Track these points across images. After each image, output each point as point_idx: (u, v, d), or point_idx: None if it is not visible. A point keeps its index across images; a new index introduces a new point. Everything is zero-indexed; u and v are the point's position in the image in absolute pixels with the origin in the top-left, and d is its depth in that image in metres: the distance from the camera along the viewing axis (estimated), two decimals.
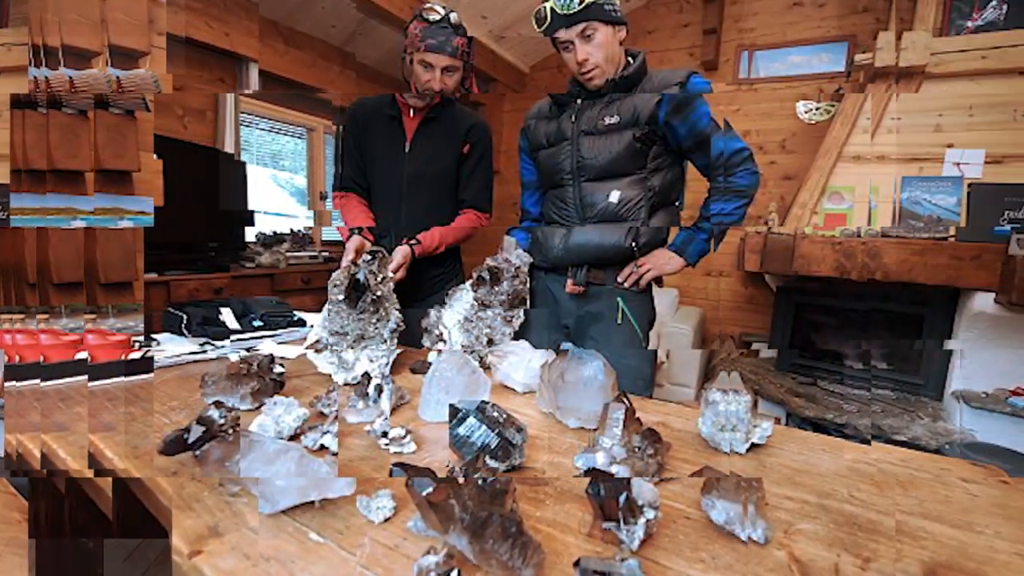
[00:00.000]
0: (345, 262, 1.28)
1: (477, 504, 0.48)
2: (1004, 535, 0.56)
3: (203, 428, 0.63)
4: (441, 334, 1.27)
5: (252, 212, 3.29)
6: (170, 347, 1.23)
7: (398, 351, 1.15)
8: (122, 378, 0.99)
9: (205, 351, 1.22)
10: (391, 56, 4.07)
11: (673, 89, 1.28)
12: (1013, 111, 2.73)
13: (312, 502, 0.57)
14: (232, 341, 1.31)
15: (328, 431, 0.75)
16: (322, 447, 0.73)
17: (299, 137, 4.08)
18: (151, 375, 1.02)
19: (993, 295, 2.39)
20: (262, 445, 0.58)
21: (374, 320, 1.12)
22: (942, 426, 2.51)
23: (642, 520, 0.51)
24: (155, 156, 2.05)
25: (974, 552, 0.53)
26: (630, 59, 1.36)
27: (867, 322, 3.17)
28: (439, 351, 1.23)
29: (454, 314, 1.29)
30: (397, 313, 1.16)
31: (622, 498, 0.50)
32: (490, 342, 1.27)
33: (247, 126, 3.62)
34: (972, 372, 2.66)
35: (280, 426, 0.75)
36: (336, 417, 0.80)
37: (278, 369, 0.94)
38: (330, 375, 1.06)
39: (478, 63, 1.66)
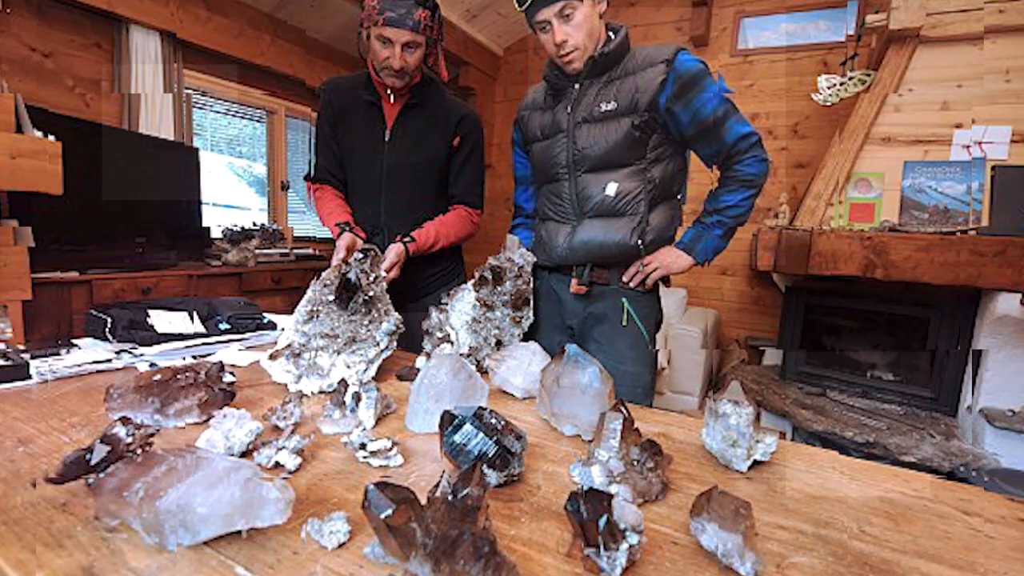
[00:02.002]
0: (335, 260, 1.29)
1: (447, 523, 0.48)
2: None
3: (108, 448, 0.61)
4: (447, 335, 1.28)
5: (199, 203, 3.22)
6: (79, 355, 1.18)
7: (386, 354, 1.15)
8: None
9: (110, 360, 1.16)
10: (346, 31, 3.98)
11: (659, 67, 1.28)
12: None
13: (239, 532, 0.55)
14: (187, 347, 1.29)
15: (283, 447, 0.74)
16: (277, 464, 0.73)
17: (258, 120, 3.99)
18: None
19: (1020, 296, 2.33)
20: (211, 463, 0.57)
21: (366, 322, 1.13)
22: (956, 445, 2.45)
23: (624, 546, 0.52)
24: (51, 137, 1.90)
25: None
26: (611, 34, 1.35)
27: (884, 326, 3.17)
28: (428, 355, 1.24)
29: (460, 315, 1.31)
30: (396, 314, 1.16)
31: (602, 521, 0.51)
32: (499, 344, 1.28)
33: (200, 108, 3.53)
34: (995, 385, 2.54)
35: (231, 441, 0.75)
36: (293, 431, 0.79)
37: (228, 378, 0.93)
38: (286, 384, 1.06)
39: (448, 45, 1.66)
